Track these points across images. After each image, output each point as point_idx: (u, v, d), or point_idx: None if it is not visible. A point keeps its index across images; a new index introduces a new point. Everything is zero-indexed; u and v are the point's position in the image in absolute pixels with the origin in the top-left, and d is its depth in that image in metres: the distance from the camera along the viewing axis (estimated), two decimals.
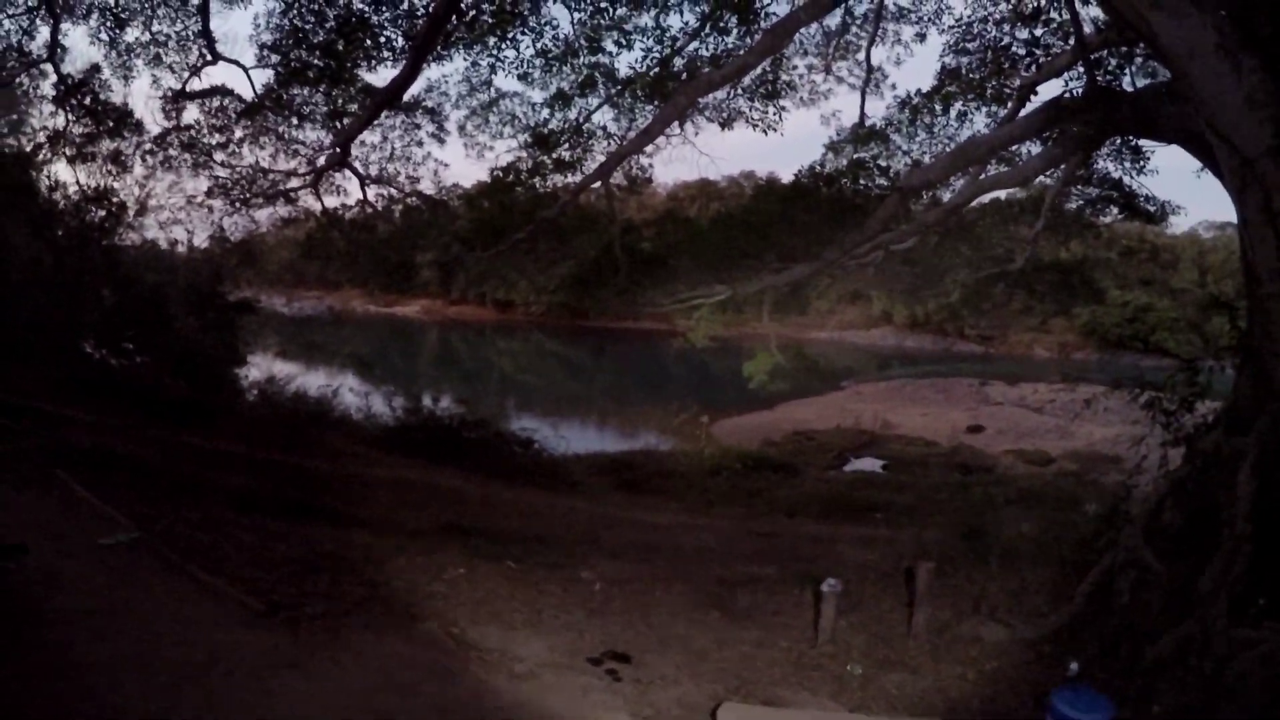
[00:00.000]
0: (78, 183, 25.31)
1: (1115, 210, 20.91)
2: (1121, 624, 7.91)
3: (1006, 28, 17.67)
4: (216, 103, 21.31)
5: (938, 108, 18.72)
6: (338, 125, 20.17)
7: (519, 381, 54.19)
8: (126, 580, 7.50)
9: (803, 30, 17.09)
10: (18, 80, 23.45)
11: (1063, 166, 17.51)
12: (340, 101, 19.72)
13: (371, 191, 22.47)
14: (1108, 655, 7.69)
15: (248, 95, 20.58)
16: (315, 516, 11.02)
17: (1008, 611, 8.94)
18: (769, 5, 17.48)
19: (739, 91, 19.29)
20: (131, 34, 20.44)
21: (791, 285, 19.27)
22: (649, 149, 19.17)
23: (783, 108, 19.42)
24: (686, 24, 17.85)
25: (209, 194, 22.20)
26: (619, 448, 29.90)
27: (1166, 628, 7.56)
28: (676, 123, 18.53)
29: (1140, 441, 9.47)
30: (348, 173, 21.59)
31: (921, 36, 19.85)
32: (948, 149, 18.42)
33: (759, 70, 18.43)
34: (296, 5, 17.61)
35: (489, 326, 76.10)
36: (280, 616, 6.83)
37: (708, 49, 18.18)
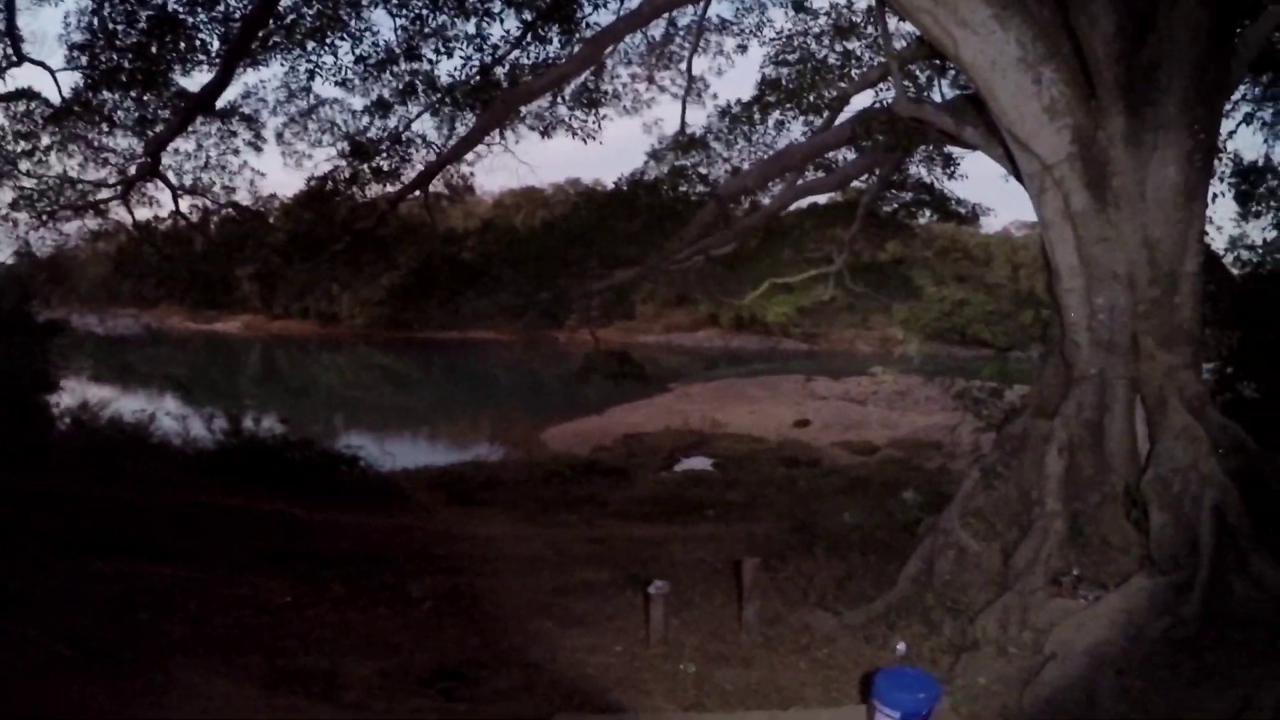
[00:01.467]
0: None
1: (929, 212, 21.80)
2: (944, 603, 8.23)
3: (825, 41, 18.27)
4: (21, 107, 20.38)
5: (757, 117, 19.16)
6: (149, 133, 19.52)
7: (345, 397, 53.28)
8: None
9: (626, 40, 17.32)
10: None
11: (877, 171, 18.18)
12: (153, 107, 19.11)
13: (185, 203, 21.80)
14: (933, 634, 7.99)
15: (55, 99, 19.71)
16: (135, 552, 10.56)
17: (836, 599, 9.22)
18: (590, 15, 17.57)
19: (561, 100, 19.43)
20: None
21: (615, 290, 19.48)
22: (470, 157, 19.19)
23: (604, 116, 19.70)
24: (508, 32, 17.87)
25: (13, 205, 21.23)
26: (449, 460, 29.61)
27: (987, 604, 7.91)
28: (497, 131, 18.57)
29: (955, 429, 9.90)
30: (160, 183, 20.93)
31: (743, 48, 20.42)
32: (766, 156, 18.88)
33: (581, 79, 18.59)
34: (107, 4, 17.02)
35: (313, 341, 74.67)
36: (96, 663, 6.53)
37: (529, 58, 18.23)
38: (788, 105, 18.75)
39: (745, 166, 19.39)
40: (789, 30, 18.74)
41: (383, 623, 8.90)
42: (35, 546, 10.07)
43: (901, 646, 7.71)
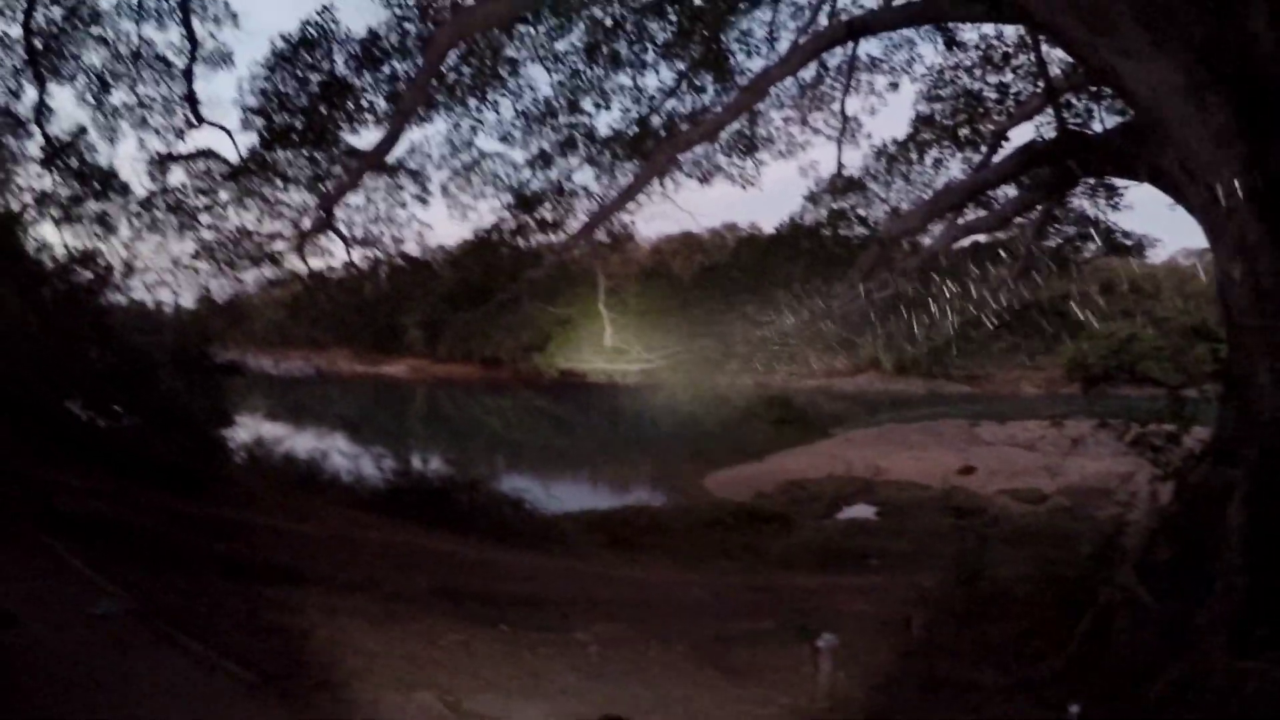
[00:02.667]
0: (65, 244, 25.40)
1: (1093, 246, 21.11)
2: (1120, 663, 7.88)
3: (977, 74, 17.93)
4: (201, 165, 21.46)
5: (913, 155, 18.91)
6: (321, 188, 20.25)
7: (508, 440, 53.93)
8: (117, 651, 7.41)
9: (778, 84, 17.34)
10: (3, 141, 23.60)
11: (1039, 207, 17.70)
12: (324, 164, 19.83)
13: (356, 253, 22.53)
14: (1108, 696, 7.66)
15: (232, 158, 20.70)
16: (307, 582, 10.93)
17: (1006, 655, 8.90)
18: (744, 62, 17.65)
19: (717, 147, 19.47)
20: (117, 97, 20.74)
21: (776, 335, 19.39)
22: (630, 205, 19.34)
23: (761, 161, 19.63)
24: (663, 83, 18.05)
25: (195, 256, 22.30)
26: (610, 504, 29.76)
27: (1166, 665, 7.54)
28: (656, 180, 18.71)
29: (1130, 478, 9.49)
30: (332, 234, 21.65)
31: (895, 85, 20.09)
32: (925, 196, 18.58)
33: (736, 125, 18.63)
34: (280, 70, 17.79)
35: (476, 385, 75.93)
36: (275, 688, 6.76)
37: (685, 106, 18.38)
38: (944, 142, 18.49)
39: (905, 207, 19.15)
40: (939, 65, 18.50)
41: (549, 664, 8.94)
42: (214, 572, 10.50)
43: (1075, 709, 7.41)
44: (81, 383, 25.03)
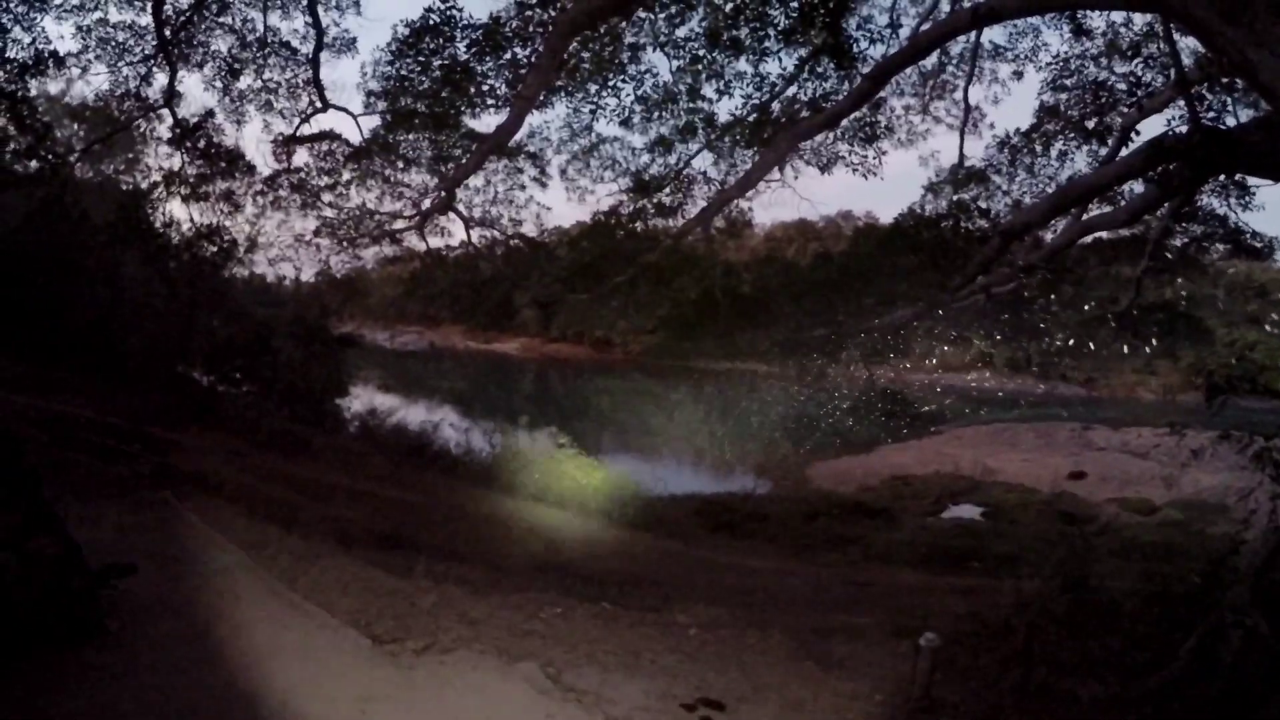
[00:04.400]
0: (191, 220, 26.32)
1: (1221, 248, 20.46)
2: (1225, 687, 7.70)
3: (1105, 63, 17.49)
4: (325, 147, 21.97)
5: (1038, 147, 18.54)
6: (442, 169, 20.57)
7: (614, 420, 54.15)
8: (231, 606, 7.79)
9: (900, 72, 17.10)
10: (136, 123, 24.55)
11: (1166, 205, 17.21)
12: (445, 147, 20.13)
13: (475, 233, 22.83)
14: (1210, 719, 7.50)
15: (355, 140, 21.21)
16: (414, 549, 11.20)
17: (1107, 669, 8.75)
18: (866, 49, 17.45)
19: (838, 135, 19.29)
20: (244, 82, 21.39)
21: (891, 328, 19.19)
22: (748, 192, 19.27)
23: (881, 150, 19.38)
24: (784, 69, 17.94)
25: (317, 233, 22.80)
26: (715, 489, 29.78)
27: (1274, 693, 7.36)
28: (776, 167, 18.60)
29: (1249, 495, 9.23)
30: (451, 214, 21.97)
31: (1019, 74, 19.65)
32: (1049, 189, 18.23)
33: (857, 113, 18.43)
34: (403, 55, 18.13)
35: (586, 365, 76.34)
36: (384, 649, 6.98)
37: (806, 93, 18.24)
38: (1069, 134, 18.09)
39: (1027, 200, 18.81)
40: (1065, 53, 18.05)
41: (649, 644, 9.02)
42: (326, 535, 10.84)
43: None
44: (203, 350, 25.96)
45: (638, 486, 22.69)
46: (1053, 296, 21.49)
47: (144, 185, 28.54)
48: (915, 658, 8.20)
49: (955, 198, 19.84)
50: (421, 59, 18.22)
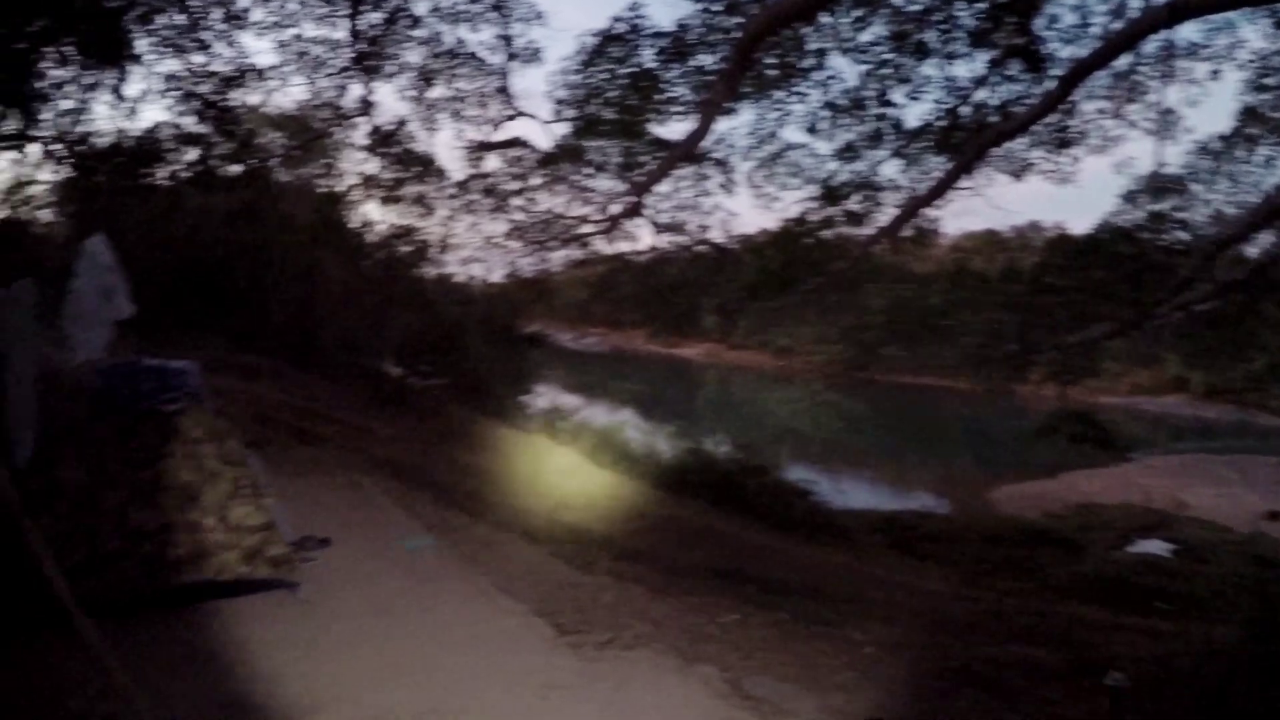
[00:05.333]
0: (385, 222, 27.60)
1: None
2: None
3: None
4: (514, 153, 22.65)
5: (1240, 153, 17.65)
6: (629, 175, 20.87)
7: (793, 430, 53.83)
8: (419, 585, 8.01)
9: (1093, 73, 16.46)
10: (332, 131, 25.87)
11: None
12: (631, 153, 20.42)
13: (662, 238, 23.08)
14: None
15: (543, 146, 21.85)
16: (594, 545, 11.32)
17: None
18: (1057, 50, 16.84)
19: (1029, 141, 18.73)
20: (437, 91, 22.24)
21: (1084, 346, 18.54)
22: (938, 201, 18.90)
23: (1075, 156, 18.75)
24: (973, 72, 17.52)
25: (507, 236, 23.48)
26: (892, 506, 29.32)
27: None
28: (965, 174, 18.20)
29: None
30: (639, 220, 22.26)
31: (1216, 74, 18.61)
32: (1253, 199, 17.35)
33: (1050, 118, 17.85)
34: (590, 64, 18.47)
35: (767, 373, 75.95)
36: (567, 640, 7.06)
37: (995, 97, 17.77)
38: (1274, 138, 17.17)
39: (1230, 211, 17.94)
40: (1266, 50, 16.99)
41: (825, 658, 8.87)
42: (512, 527, 11.05)
43: None
44: (395, 344, 27.01)
45: (815, 498, 22.48)
46: (1257, 316, 20.41)
47: (340, 189, 29.95)
48: (1095, 696, 7.87)
49: (1152, 209, 19.02)
50: (609, 67, 18.54)
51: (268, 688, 5.77)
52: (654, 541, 13.47)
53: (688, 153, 19.20)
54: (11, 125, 19.13)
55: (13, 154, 20.53)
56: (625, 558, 10.92)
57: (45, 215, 24.88)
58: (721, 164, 21.44)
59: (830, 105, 18.66)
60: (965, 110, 18.02)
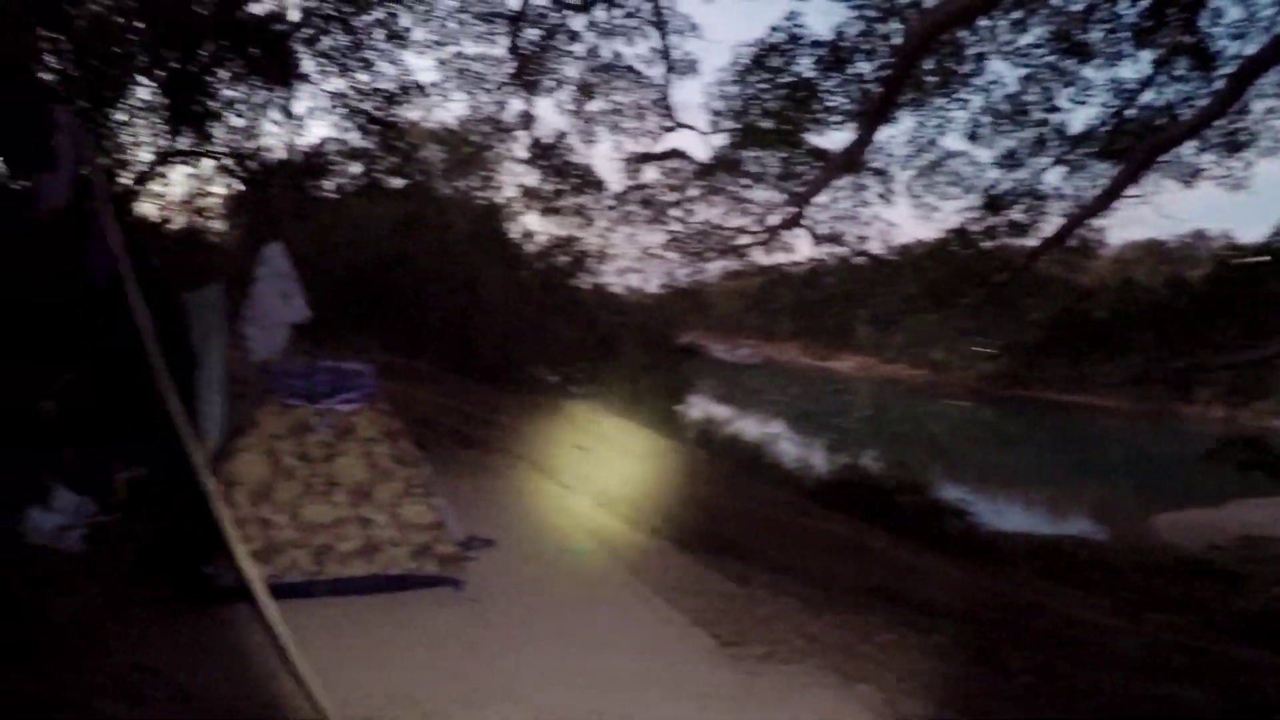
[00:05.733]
0: (544, 232, 28.32)
1: None
2: None
3: None
4: (672, 164, 22.91)
5: None
6: (787, 186, 20.85)
7: (948, 447, 52.81)
8: (579, 590, 8.18)
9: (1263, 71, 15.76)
10: (492, 144, 26.64)
11: None
12: (789, 163, 20.41)
13: (820, 249, 23.04)
14: None
15: (699, 157, 22.10)
16: (748, 558, 11.29)
17: None
18: (1226, 47, 16.13)
19: (1199, 144, 18.05)
20: (595, 104, 22.68)
21: (1259, 365, 17.80)
22: (1104, 210, 18.38)
23: (1247, 161, 18.02)
24: (1138, 73, 16.98)
25: (664, 247, 23.74)
26: (1047, 530, 28.54)
27: None
28: (1133, 181, 17.65)
29: None
30: (796, 230, 22.26)
31: None
32: None
33: (1221, 120, 17.16)
34: (748, 74, 18.51)
35: (921, 388, 74.69)
36: (728, 652, 7.07)
37: (1162, 99, 17.19)
38: None
39: None
40: None
41: (977, 684, 8.73)
42: (673, 538, 11.12)
43: None
44: (552, 352, 27.53)
45: (969, 519, 22.02)
46: None
47: (500, 200, 30.76)
48: None
49: None
50: (767, 77, 18.55)
51: (433, 682, 5.93)
52: (806, 555, 13.35)
53: (850, 162, 19.08)
54: (187, 142, 20.05)
55: (189, 168, 21.54)
56: (779, 570, 10.86)
57: (217, 225, 26.02)
58: (880, 173, 21.32)
59: (991, 111, 18.38)
60: (1131, 113, 17.51)
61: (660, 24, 21.07)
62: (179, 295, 7.67)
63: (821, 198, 21.47)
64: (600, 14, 21.18)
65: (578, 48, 22.07)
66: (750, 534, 13.79)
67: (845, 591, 11.25)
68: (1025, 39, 17.57)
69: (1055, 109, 18.21)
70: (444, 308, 27.89)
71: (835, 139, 19.13)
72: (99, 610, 6.37)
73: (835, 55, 18.11)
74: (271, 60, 18.97)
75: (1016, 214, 19.49)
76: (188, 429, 5.60)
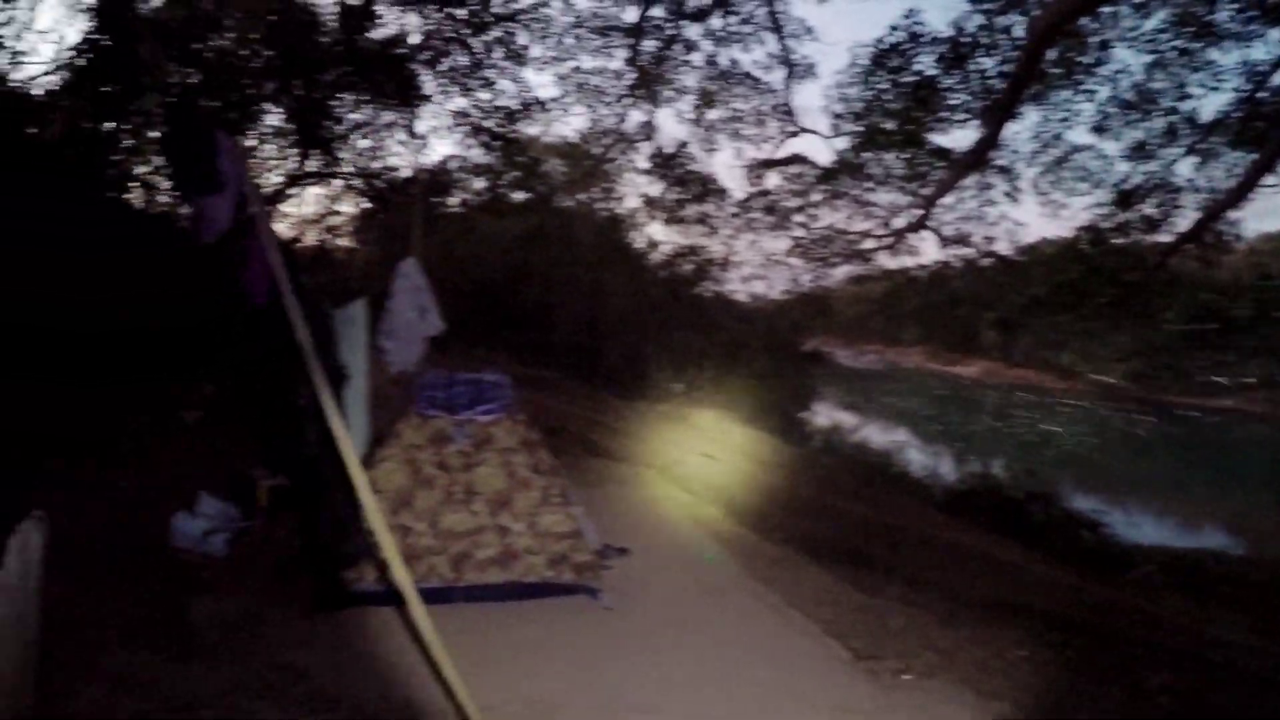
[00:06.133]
0: (667, 241, 28.58)
1: None
2: None
3: None
4: (794, 169, 22.86)
5: None
6: (911, 187, 20.65)
7: (1079, 455, 51.48)
8: (713, 599, 8.26)
9: None
10: (613, 156, 26.90)
11: None
12: (913, 164, 20.20)
13: (947, 251, 22.78)
14: None
15: (820, 161, 22.03)
16: (879, 569, 11.21)
17: None
18: None
19: None
20: (715, 112, 22.79)
21: None
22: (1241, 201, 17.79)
23: None
24: (1270, 53, 16.35)
25: (787, 253, 23.71)
26: (1182, 543, 27.66)
27: None
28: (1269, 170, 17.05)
29: None
30: (921, 233, 22.03)
31: None
32: None
33: None
34: (869, 75, 18.38)
35: (1051, 394, 73.03)
36: (862, 665, 7.07)
37: None
38: None
39: None
40: None
41: (1112, 702, 8.57)
42: (794, 544, 11.12)
43: None
44: (678, 360, 27.68)
45: (1102, 531, 21.45)
46: None
47: (622, 211, 31.04)
48: None
49: None
50: (888, 77, 18.40)
51: (570, 690, 6.06)
52: (937, 567, 13.20)
53: (977, 160, 18.81)
54: (316, 164, 20.69)
55: (318, 189, 22.23)
56: (909, 582, 10.78)
57: (344, 242, 26.75)
58: (1006, 171, 20.96)
59: (1118, 101, 17.93)
60: (1263, 96, 16.89)
61: (777, 28, 21.11)
62: (328, 310, 7.95)
63: (947, 198, 21.24)
64: (716, 22, 21.34)
65: (695, 56, 22.27)
66: (879, 544, 13.67)
67: (976, 605, 11.09)
68: (1150, 24, 17.12)
69: (1185, 96, 17.70)
70: (570, 318, 28.32)
71: (959, 138, 18.95)
72: (241, 612, 6.67)
73: (956, 51, 17.88)
74: (394, 83, 19.49)
75: (1148, 208, 18.96)
76: (341, 438, 5.80)
